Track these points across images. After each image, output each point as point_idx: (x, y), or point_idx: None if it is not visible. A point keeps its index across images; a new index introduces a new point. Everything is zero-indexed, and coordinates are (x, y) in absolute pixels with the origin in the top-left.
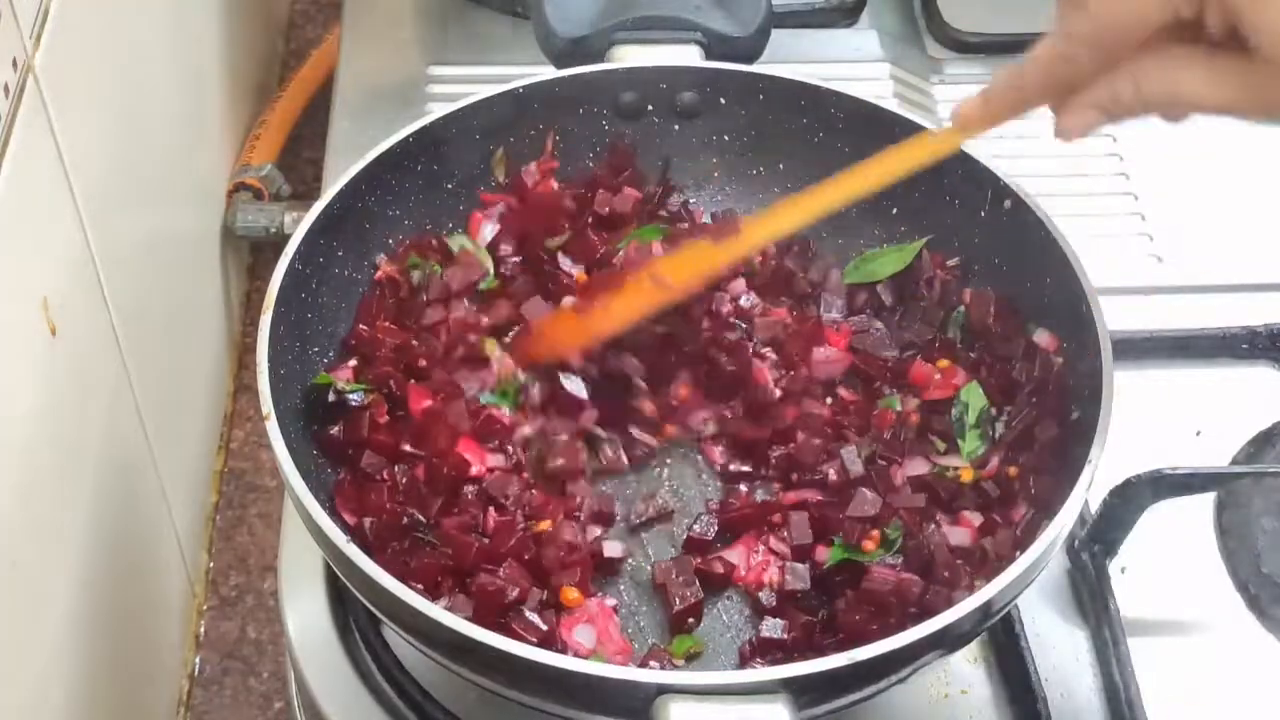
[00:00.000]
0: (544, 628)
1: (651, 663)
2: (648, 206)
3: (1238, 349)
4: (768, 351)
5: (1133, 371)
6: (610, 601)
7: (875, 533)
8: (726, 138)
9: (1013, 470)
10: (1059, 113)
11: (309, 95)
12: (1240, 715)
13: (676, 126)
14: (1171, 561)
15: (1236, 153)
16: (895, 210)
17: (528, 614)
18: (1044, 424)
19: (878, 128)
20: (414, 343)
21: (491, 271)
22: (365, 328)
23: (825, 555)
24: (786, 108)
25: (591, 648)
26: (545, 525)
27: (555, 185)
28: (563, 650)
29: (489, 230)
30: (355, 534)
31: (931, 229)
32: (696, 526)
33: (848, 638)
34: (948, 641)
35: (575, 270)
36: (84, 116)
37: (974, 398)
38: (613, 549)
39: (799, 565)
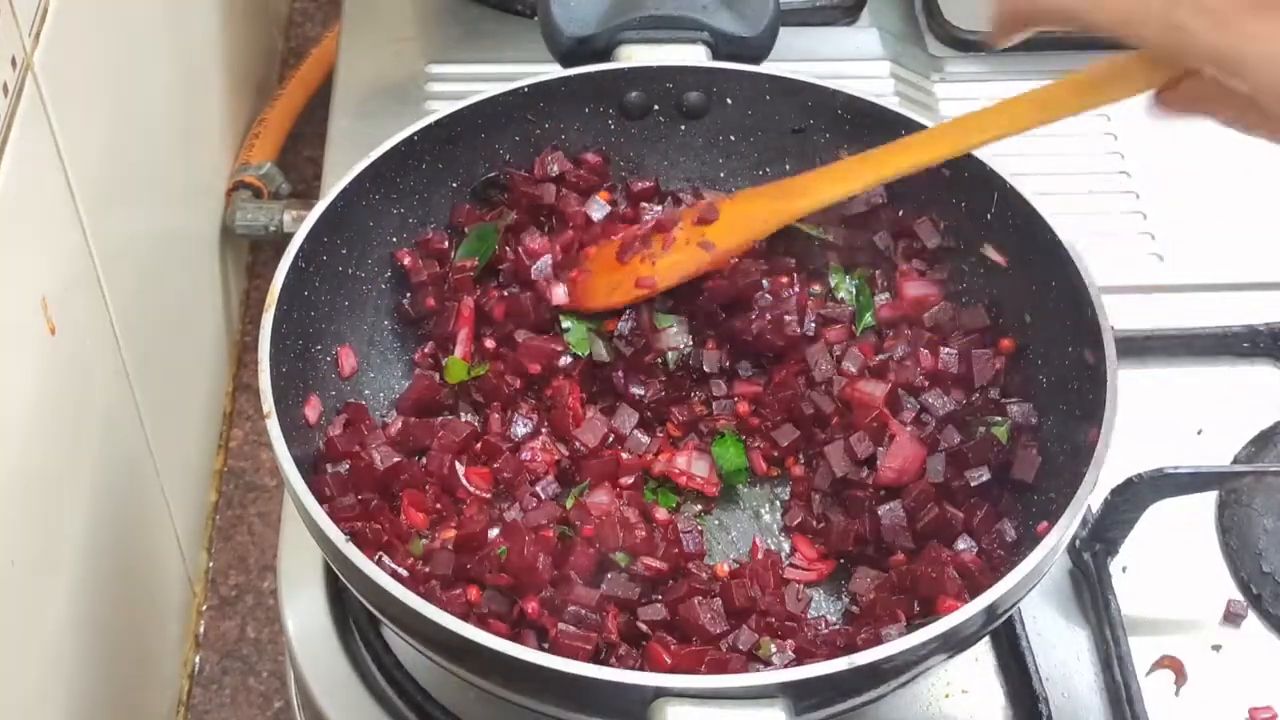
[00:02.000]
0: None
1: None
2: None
3: (1239, 348)
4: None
5: (1134, 370)
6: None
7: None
8: (732, 138)
9: None
10: None
11: (309, 93)
12: (1242, 715)
13: (682, 126)
14: (1173, 561)
15: (1237, 152)
16: (901, 212)
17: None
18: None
19: (884, 129)
20: None
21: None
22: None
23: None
24: (792, 108)
25: None
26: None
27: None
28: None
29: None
30: (355, 534)
31: None
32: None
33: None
34: (950, 645)
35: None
36: (83, 115)
37: None
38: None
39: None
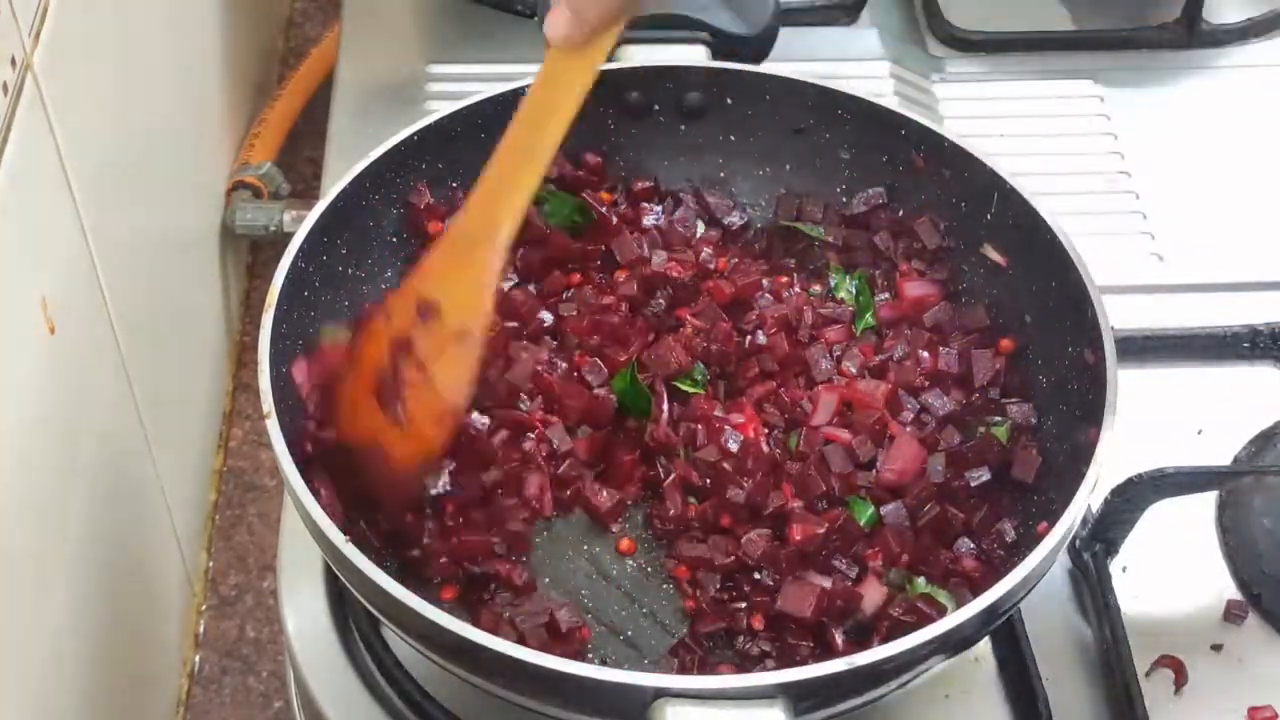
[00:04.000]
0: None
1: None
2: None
3: (1239, 348)
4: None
5: (1134, 370)
6: None
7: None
8: (732, 138)
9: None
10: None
11: (308, 93)
12: (1242, 715)
13: (682, 126)
14: (1173, 561)
15: (1237, 152)
16: (901, 212)
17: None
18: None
19: (884, 129)
20: None
21: None
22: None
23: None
24: (792, 108)
25: None
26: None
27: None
28: None
29: None
30: (354, 533)
31: None
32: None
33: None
34: (950, 645)
35: None
36: (83, 115)
37: None
38: None
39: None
